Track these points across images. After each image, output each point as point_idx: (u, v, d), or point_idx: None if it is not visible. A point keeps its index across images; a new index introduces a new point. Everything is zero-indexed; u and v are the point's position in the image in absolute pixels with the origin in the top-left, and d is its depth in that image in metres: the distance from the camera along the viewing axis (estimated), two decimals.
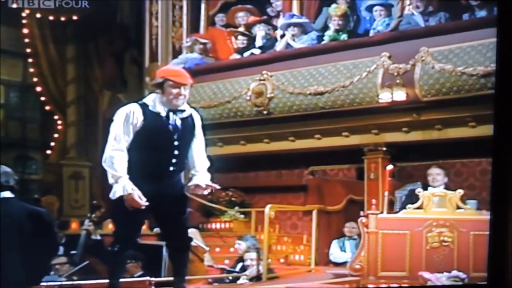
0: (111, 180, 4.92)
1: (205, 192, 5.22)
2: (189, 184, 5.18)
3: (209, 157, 5.30)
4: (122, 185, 4.86)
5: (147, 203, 4.89)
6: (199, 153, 5.21)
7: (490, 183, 4.85)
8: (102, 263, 7.70)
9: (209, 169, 5.27)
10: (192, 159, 5.20)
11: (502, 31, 4.70)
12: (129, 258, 6.42)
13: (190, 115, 5.17)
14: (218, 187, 5.33)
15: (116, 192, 4.89)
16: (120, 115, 5.01)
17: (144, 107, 5.02)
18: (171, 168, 5.03)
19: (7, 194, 5.28)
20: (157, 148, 4.98)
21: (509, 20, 4.71)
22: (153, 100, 5.06)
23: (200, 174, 5.18)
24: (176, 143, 5.03)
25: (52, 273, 7.30)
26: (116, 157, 4.89)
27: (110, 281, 5.17)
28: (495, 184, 4.70)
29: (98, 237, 8.69)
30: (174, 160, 5.03)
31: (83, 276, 7.28)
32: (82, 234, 8.53)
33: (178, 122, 5.06)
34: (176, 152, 5.03)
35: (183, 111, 5.10)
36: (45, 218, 5.44)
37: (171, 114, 5.04)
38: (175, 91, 5.00)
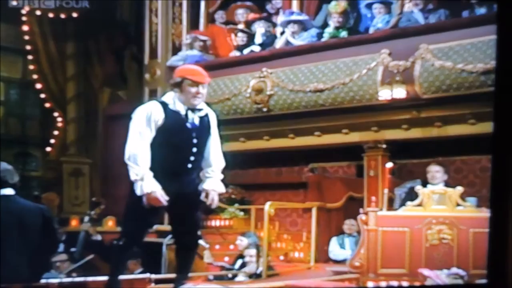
0: (134, 177, 4.94)
1: (214, 201, 5.25)
2: (204, 187, 5.21)
3: (226, 154, 5.35)
4: (147, 182, 4.90)
5: (167, 199, 4.94)
6: (215, 152, 5.28)
7: (490, 180, 4.85)
8: (102, 260, 7.72)
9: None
10: (208, 158, 5.25)
11: (502, 28, 4.69)
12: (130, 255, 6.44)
13: (207, 114, 5.23)
14: (216, 203, 5.33)
15: (141, 189, 4.91)
16: (141, 112, 5.04)
17: (165, 105, 5.06)
18: (189, 166, 5.09)
19: (9, 191, 5.30)
20: (176, 146, 5.04)
21: (509, 17, 4.70)
22: (172, 99, 5.11)
23: (214, 177, 5.25)
24: (194, 141, 5.09)
25: (52, 270, 7.31)
26: (140, 154, 4.92)
27: (110, 278, 5.18)
28: (495, 182, 4.70)
29: (99, 238, 8.70)
30: (192, 158, 5.09)
31: (83, 273, 7.29)
32: (81, 235, 8.55)
33: (196, 121, 5.13)
34: (194, 149, 5.09)
35: (200, 109, 5.16)
36: (46, 215, 5.45)
37: (189, 112, 5.10)
38: (193, 90, 5.05)
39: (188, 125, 5.08)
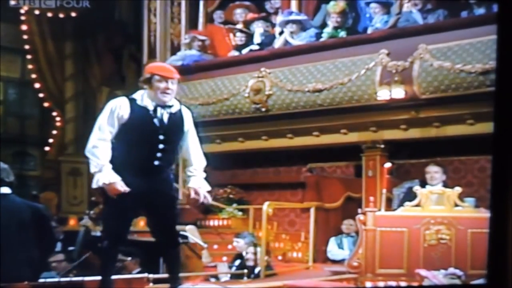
0: (93, 169, 5.01)
1: (207, 197, 5.25)
2: (189, 185, 5.20)
3: (205, 154, 5.32)
4: (105, 173, 4.94)
5: (128, 189, 4.92)
6: (194, 150, 5.25)
7: (490, 180, 4.84)
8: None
9: (205, 167, 5.31)
10: (188, 157, 5.25)
11: (503, 28, 4.69)
12: (127, 255, 6.43)
13: (179, 111, 5.20)
14: (210, 200, 5.35)
15: (99, 181, 4.97)
16: (107, 107, 5.10)
17: (132, 101, 5.09)
18: (156, 163, 5.05)
19: (5, 190, 5.30)
20: (141, 142, 5.03)
21: (510, 16, 4.70)
22: (141, 95, 5.13)
23: (198, 175, 5.23)
24: (161, 137, 5.06)
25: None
26: (99, 146, 4.99)
27: (102, 278, 5.18)
28: (495, 182, 4.70)
29: (98, 234, 8.69)
30: (159, 155, 5.05)
31: (81, 272, 7.28)
32: (81, 231, 8.54)
33: (166, 117, 5.10)
34: (161, 146, 5.06)
35: (171, 106, 5.14)
36: (43, 213, 5.46)
37: (158, 109, 5.09)
38: (162, 85, 5.05)
39: (156, 121, 5.06)
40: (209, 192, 5.30)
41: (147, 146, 5.04)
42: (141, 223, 8.70)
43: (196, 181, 5.22)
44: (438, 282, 6.28)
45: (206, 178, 5.28)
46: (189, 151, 5.23)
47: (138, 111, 5.05)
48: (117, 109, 5.03)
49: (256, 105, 9.15)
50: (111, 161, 4.99)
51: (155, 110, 5.07)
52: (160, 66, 5.40)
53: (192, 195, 5.21)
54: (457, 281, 6.34)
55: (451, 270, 6.47)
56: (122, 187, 4.93)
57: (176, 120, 5.16)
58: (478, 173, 8.48)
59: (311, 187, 9.14)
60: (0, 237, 5.08)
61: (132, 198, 4.96)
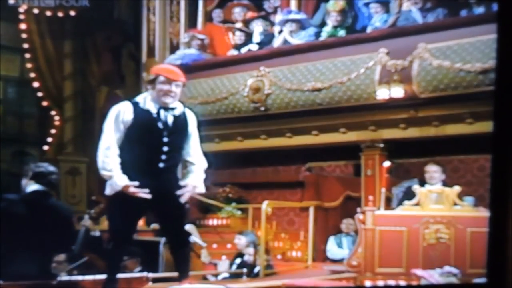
0: (106, 177, 5.01)
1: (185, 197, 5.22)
2: (183, 183, 5.21)
3: (204, 153, 5.33)
4: (115, 180, 4.94)
5: (148, 194, 4.94)
6: (195, 152, 5.26)
7: (490, 179, 4.84)
8: (101, 258, 7.70)
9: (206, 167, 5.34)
10: (189, 159, 5.26)
11: (503, 27, 4.69)
12: (127, 254, 6.42)
13: (183, 113, 5.20)
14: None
15: (111, 188, 4.99)
16: (111, 113, 5.08)
17: (135, 105, 5.08)
18: (161, 165, 5.06)
19: (38, 187, 5.32)
20: (146, 145, 5.03)
21: (510, 15, 4.70)
22: (144, 98, 5.12)
23: (197, 175, 5.25)
24: (165, 139, 5.06)
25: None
26: (108, 155, 4.98)
27: (108, 277, 5.19)
28: (495, 181, 4.69)
29: (97, 233, 8.68)
30: (163, 157, 5.05)
31: (81, 272, 7.27)
32: (81, 230, 8.53)
33: (170, 120, 5.10)
34: (165, 148, 5.06)
35: (174, 108, 5.13)
36: (71, 216, 5.55)
37: (162, 111, 5.08)
38: (165, 87, 5.05)
39: (159, 124, 5.05)
40: (217, 193, 5.34)
41: (151, 149, 5.04)
42: (139, 222, 8.68)
43: (194, 179, 5.22)
44: (434, 281, 6.28)
45: (204, 180, 5.29)
46: (190, 153, 5.24)
47: (141, 115, 5.04)
48: (121, 114, 5.03)
49: (255, 104, 9.14)
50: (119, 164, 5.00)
51: (158, 113, 5.06)
52: (166, 68, 5.35)
53: (186, 189, 5.18)
54: (453, 279, 6.34)
55: (447, 268, 6.47)
56: (134, 189, 4.94)
57: (180, 122, 5.15)
58: (477, 172, 8.49)
59: (310, 186, 9.14)
60: (35, 233, 5.13)
61: (139, 200, 4.97)
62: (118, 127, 5.02)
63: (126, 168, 4.98)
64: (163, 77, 5.06)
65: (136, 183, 4.95)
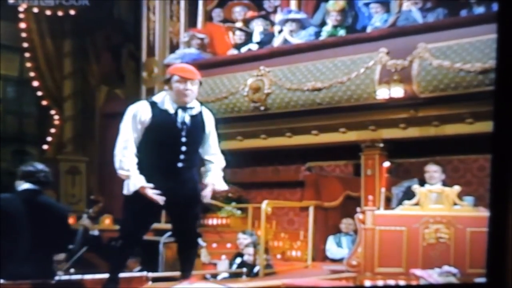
0: (123, 177, 5.02)
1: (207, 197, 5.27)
2: (204, 182, 5.24)
3: (223, 153, 5.37)
4: (133, 180, 4.95)
5: (162, 198, 4.95)
6: (214, 151, 5.30)
7: (490, 179, 4.85)
8: (100, 257, 7.70)
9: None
10: (207, 158, 5.28)
11: (503, 27, 4.69)
12: (134, 255, 6.43)
13: (200, 113, 5.21)
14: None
15: (127, 188, 4.99)
16: (128, 113, 5.08)
17: (153, 104, 5.08)
18: (180, 165, 5.05)
19: (29, 186, 5.33)
20: (164, 145, 5.03)
21: (510, 15, 4.70)
22: (162, 98, 5.12)
23: (216, 173, 5.27)
24: (183, 139, 5.06)
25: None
26: (125, 155, 4.98)
27: (110, 276, 5.18)
28: (495, 181, 4.70)
29: (96, 233, 8.68)
30: (182, 157, 5.05)
31: (80, 271, 7.27)
32: (80, 230, 8.53)
33: (187, 119, 5.10)
34: (183, 148, 5.06)
35: (192, 108, 5.13)
36: (61, 212, 5.54)
37: (179, 111, 5.08)
38: (181, 86, 5.04)
39: (178, 123, 5.06)
40: (218, 192, 5.35)
41: (170, 148, 5.04)
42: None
43: (212, 177, 5.25)
44: (433, 281, 6.27)
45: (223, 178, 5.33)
46: (208, 152, 5.27)
47: (159, 115, 5.04)
48: (138, 114, 5.03)
49: (255, 104, 9.14)
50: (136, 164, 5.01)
51: (176, 113, 5.06)
52: (181, 67, 5.34)
53: (208, 189, 5.22)
54: (452, 279, 6.34)
55: (446, 268, 6.47)
56: (150, 192, 4.94)
57: (198, 122, 5.17)
58: (477, 172, 8.49)
59: (310, 186, 9.14)
60: (26, 231, 5.13)
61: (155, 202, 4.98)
62: (136, 127, 5.02)
63: (144, 168, 4.98)
64: (177, 76, 5.06)
65: (152, 185, 4.95)
